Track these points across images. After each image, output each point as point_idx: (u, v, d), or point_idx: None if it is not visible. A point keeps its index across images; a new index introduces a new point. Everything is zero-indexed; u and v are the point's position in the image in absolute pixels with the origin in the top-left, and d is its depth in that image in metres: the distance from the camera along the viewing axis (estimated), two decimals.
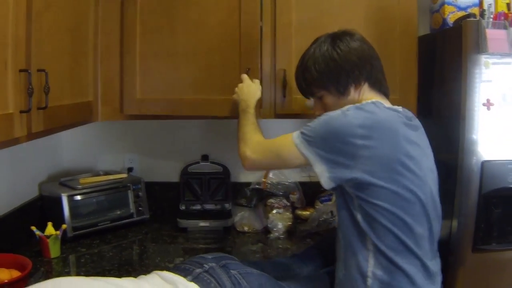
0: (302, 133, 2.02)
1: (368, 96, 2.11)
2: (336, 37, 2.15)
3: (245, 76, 2.63)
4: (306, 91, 2.26)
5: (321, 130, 1.98)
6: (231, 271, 2.01)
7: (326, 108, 2.16)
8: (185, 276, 1.90)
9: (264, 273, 2.12)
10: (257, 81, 2.64)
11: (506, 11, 2.91)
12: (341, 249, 2.05)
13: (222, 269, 2.00)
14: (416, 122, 2.14)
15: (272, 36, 2.80)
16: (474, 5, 2.93)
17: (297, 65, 2.26)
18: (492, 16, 2.68)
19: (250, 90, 2.57)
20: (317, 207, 3.14)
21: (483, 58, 2.53)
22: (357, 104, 1.99)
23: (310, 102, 2.40)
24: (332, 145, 1.93)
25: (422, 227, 1.97)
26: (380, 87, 2.18)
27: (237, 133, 2.44)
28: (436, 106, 2.88)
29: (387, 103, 2.11)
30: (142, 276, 1.96)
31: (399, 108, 2.09)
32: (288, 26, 2.80)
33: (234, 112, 2.63)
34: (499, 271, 2.75)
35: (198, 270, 1.95)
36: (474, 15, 2.63)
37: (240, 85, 2.60)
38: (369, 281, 1.93)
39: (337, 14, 2.83)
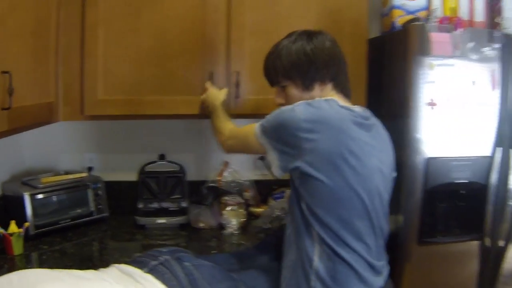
0: (261, 124, 2.15)
1: (329, 95, 2.20)
2: (312, 34, 2.22)
3: (208, 84, 2.79)
4: (272, 79, 2.31)
5: (274, 122, 2.10)
6: (184, 263, 2.11)
7: (287, 99, 2.23)
8: (141, 268, 2.00)
9: (216, 265, 2.22)
10: (224, 90, 2.81)
11: (453, 15, 3.03)
12: (291, 235, 2.15)
13: (176, 261, 2.10)
14: (372, 122, 2.22)
15: (226, 38, 2.90)
16: (423, 8, 3.05)
17: (269, 52, 2.31)
18: (437, 20, 2.77)
19: (215, 94, 2.74)
20: (270, 204, 3.24)
21: (428, 60, 2.65)
22: (309, 100, 2.10)
23: None
24: (281, 136, 2.06)
25: (362, 223, 2.06)
26: (342, 89, 2.26)
27: (213, 130, 2.66)
28: (385, 106, 2.99)
29: (344, 103, 2.18)
30: (102, 269, 2.04)
31: (356, 108, 2.18)
32: (242, 28, 2.91)
33: (201, 111, 2.80)
34: (445, 263, 2.88)
35: (153, 263, 2.05)
36: (421, 19, 2.78)
37: (205, 94, 2.77)
38: (315, 265, 2.03)
39: (289, 16, 2.94)
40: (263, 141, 2.13)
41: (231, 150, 2.52)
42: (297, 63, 2.18)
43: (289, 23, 2.83)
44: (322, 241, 2.01)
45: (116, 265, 2.06)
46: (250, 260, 2.46)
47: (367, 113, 2.24)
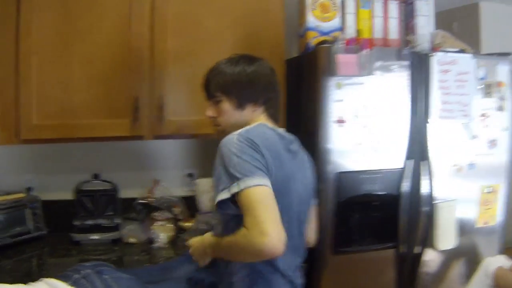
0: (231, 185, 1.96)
1: (260, 118, 2.27)
2: (254, 60, 2.31)
3: (189, 241, 2.61)
4: (209, 92, 2.33)
5: (230, 159, 2.01)
6: (104, 276, 2.24)
7: (219, 113, 2.29)
8: (66, 281, 2.16)
9: (133, 277, 2.36)
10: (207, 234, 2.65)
11: (367, 34, 3.19)
12: None
13: (96, 275, 2.23)
14: (295, 147, 2.31)
15: (150, 64, 3.03)
16: (336, 29, 3.19)
17: (211, 67, 2.35)
18: (344, 41, 2.87)
19: (200, 242, 2.48)
20: (197, 218, 3.38)
21: (335, 80, 2.81)
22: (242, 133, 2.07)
23: None
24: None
25: None
26: (273, 114, 2.34)
27: (235, 257, 2.17)
28: (301, 123, 3.14)
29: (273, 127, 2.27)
30: (31, 283, 2.19)
31: (283, 133, 2.29)
32: (164, 54, 3.04)
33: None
34: (361, 271, 3.05)
35: (76, 276, 2.20)
36: (332, 41, 2.89)
37: (191, 249, 2.54)
38: (235, 277, 2.18)
39: (210, 40, 3.08)
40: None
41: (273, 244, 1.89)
42: (237, 82, 2.23)
43: (210, 47, 3.04)
44: None
45: (45, 279, 2.20)
46: (170, 272, 2.57)
47: (291, 137, 2.34)
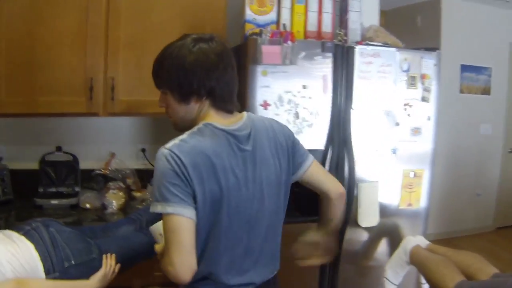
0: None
1: (207, 113, 2.09)
2: (197, 42, 2.09)
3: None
4: (156, 84, 2.17)
5: (155, 177, 1.95)
6: (50, 228, 2.54)
7: (168, 104, 2.14)
8: (18, 231, 2.47)
9: (76, 231, 2.69)
10: None
11: (300, 28, 3.48)
12: None
13: (44, 227, 2.52)
14: (250, 144, 2.11)
15: (105, 50, 3.34)
16: (272, 22, 3.47)
17: (156, 57, 2.16)
18: (269, 34, 3.15)
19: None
20: (148, 189, 3.73)
21: (262, 68, 3.11)
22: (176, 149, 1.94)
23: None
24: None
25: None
26: (224, 105, 2.13)
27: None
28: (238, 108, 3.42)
29: (223, 123, 2.08)
30: None
31: (236, 130, 2.09)
32: (117, 41, 3.35)
33: None
34: (291, 243, 3.32)
35: (27, 228, 2.50)
36: (263, 33, 3.17)
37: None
38: None
39: (157, 30, 3.37)
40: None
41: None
42: (174, 76, 2.07)
43: (158, 35, 3.30)
44: None
45: (2, 230, 2.54)
46: (111, 231, 2.92)
47: (244, 132, 2.12)
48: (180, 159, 1.89)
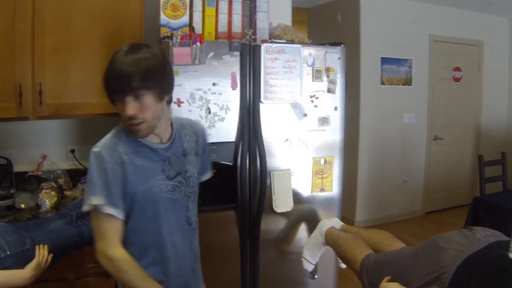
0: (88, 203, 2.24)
1: (165, 108, 2.34)
2: (144, 46, 2.24)
3: None
4: (128, 88, 2.12)
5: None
6: None
7: (142, 108, 2.16)
8: None
9: (10, 225, 2.90)
10: None
11: (211, 29, 3.71)
12: None
13: None
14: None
15: (32, 57, 3.46)
16: (185, 25, 3.67)
17: (129, 63, 2.13)
18: (179, 37, 3.36)
19: None
20: (78, 187, 3.93)
21: (174, 68, 3.21)
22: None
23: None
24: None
25: None
26: (170, 100, 2.42)
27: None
28: None
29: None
30: None
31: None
32: (43, 48, 3.48)
33: None
34: (210, 229, 3.43)
35: None
36: (171, 36, 3.38)
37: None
38: None
39: (80, 36, 3.54)
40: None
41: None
42: (155, 73, 2.15)
43: (80, 42, 3.54)
44: None
45: None
46: (43, 225, 3.08)
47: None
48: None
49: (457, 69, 8.57)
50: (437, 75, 8.29)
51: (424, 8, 7.92)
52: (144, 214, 2.31)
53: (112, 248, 2.22)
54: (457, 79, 8.60)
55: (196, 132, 2.54)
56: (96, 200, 2.19)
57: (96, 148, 2.26)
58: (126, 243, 2.29)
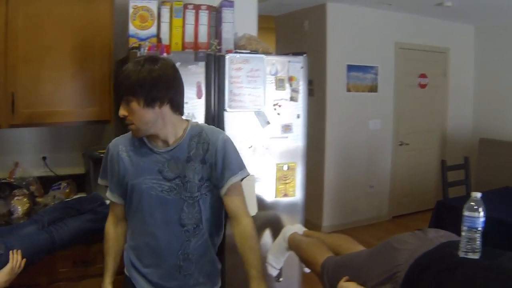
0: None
1: (167, 115, 2.50)
2: (157, 60, 2.47)
3: None
4: (120, 94, 2.49)
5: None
6: None
7: (130, 113, 2.45)
8: None
9: None
10: None
11: (178, 40, 3.83)
12: None
13: None
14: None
15: (4, 66, 3.52)
16: (152, 36, 3.79)
17: (124, 75, 2.45)
18: (147, 47, 3.49)
19: None
20: (50, 194, 3.99)
21: None
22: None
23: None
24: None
25: None
26: (178, 109, 2.55)
27: None
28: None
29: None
30: None
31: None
32: (16, 57, 3.51)
33: None
34: None
35: None
36: (139, 46, 3.52)
37: None
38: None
39: (52, 47, 3.62)
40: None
41: None
42: (143, 83, 2.38)
43: (52, 52, 3.62)
44: None
45: None
46: (16, 230, 3.15)
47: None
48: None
49: (423, 75, 8.73)
50: (403, 82, 8.44)
51: (390, 16, 8.07)
52: (131, 203, 2.64)
53: (107, 222, 2.83)
54: (422, 86, 8.76)
55: (209, 140, 2.61)
56: (103, 182, 2.77)
57: (110, 143, 2.69)
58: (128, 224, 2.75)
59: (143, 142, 2.58)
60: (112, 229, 2.79)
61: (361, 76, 7.84)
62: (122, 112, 2.47)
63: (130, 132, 2.58)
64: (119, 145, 2.63)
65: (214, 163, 2.60)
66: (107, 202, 3.12)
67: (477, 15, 8.22)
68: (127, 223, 2.75)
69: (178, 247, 2.61)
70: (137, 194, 2.58)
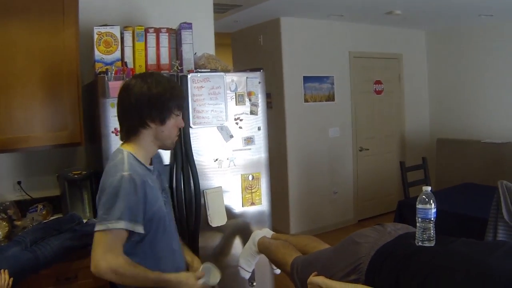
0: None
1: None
2: (159, 81, 2.59)
3: None
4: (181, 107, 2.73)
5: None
6: None
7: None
8: None
9: None
10: None
11: (142, 63, 4.03)
12: None
13: None
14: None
15: None
16: (117, 60, 3.96)
17: (122, 88, 2.72)
18: (114, 72, 3.67)
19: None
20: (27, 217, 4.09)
21: (110, 101, 3.59)
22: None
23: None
24: None
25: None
26: None
27: None
28: (92, 135, 3.93)
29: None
30: None
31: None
32: None
33: None
34: None
35: None
36: (106, 71, 3.70)
37: None
38: None
39: (21, 74, 3.71)
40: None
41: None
42: (139, 103, 2.56)
43: (21, 79, 3.73)
44: None
45: None
46: (1, 252, 3.21)
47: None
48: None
49: (378, 82, 9.01)
50: (359, 89, 8.70)
51: (342, 27, 8.34)
52: (158, 228, 2.57)
53: (119, 257, 2.37)
54: (378, 92, 9.04)
55: (159, 154, 2.87)
56: (119, 225, 2.35)
57: (125, 172, 2.42)
58: (140, 255, 2.53)
59: (140, 163, 2.58)
60: (126, 257, 2.42)
61: (318, 86, 8.07)
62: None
63: (127, 156, 2.54)
64: (139, 171, 2.50)
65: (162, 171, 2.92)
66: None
67: (426, 21, 8.52)
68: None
69: (178, 246, 2.87)
70: (163, 216, 2.61)
